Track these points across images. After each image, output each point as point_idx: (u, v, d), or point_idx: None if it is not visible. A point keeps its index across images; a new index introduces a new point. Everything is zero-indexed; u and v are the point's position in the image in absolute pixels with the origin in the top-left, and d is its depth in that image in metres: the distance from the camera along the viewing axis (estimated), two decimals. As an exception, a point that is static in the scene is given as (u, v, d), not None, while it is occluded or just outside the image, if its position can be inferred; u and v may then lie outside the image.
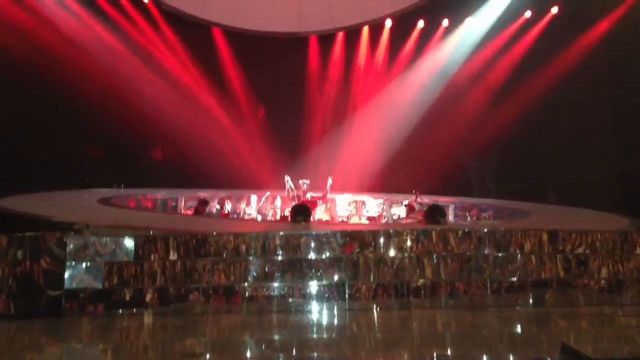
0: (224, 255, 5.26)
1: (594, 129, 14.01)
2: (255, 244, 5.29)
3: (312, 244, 5.33)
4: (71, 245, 5.11)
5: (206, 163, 13.56)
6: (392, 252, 5.38)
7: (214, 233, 5.44)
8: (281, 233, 5.40)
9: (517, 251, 5.51)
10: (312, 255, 5.31)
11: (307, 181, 11.33)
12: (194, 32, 14.55)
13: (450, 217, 11.25)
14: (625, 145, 13.55)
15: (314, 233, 5.42)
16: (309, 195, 11.24)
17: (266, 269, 5.24)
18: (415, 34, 15.40)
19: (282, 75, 14.83)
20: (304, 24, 14.53)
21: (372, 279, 5.29)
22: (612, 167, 13.72)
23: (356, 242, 5.38)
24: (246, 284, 5.19)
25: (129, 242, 5.27)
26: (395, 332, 4.87)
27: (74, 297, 5.05)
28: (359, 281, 5.27)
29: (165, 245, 5.30)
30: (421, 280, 5.31)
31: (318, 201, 11.67)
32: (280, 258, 5.27)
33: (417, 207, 10.58)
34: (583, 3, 13.58)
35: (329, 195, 11.62)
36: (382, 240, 5.40)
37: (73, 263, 5.09)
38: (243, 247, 5.28)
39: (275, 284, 5.21)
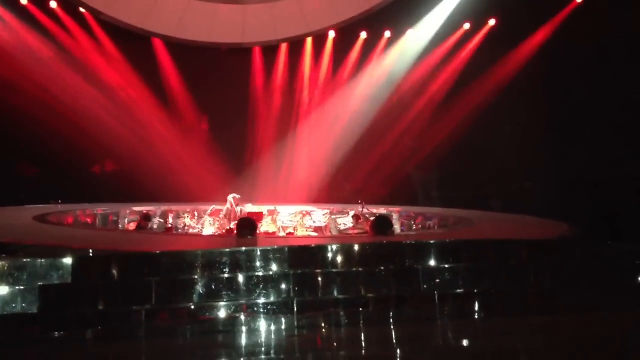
0: (167, 273, 5.09)
1: (532, 138, 14.39)
2: (200, 261, 5.14)
3: (259, 260, 5.22)
4: (3, 268, 4.85)
5: (148, 176, 13.23)
6: (339, 266, 5.33)
7: (157, 251, 5.27)
8: (227, 249, 5.27)
9: (463, 261, 5.55)
10: (259, 272, 5.20)
11: (238, 195, 11.20)
12: (133, 43, 14.17)
13: (396, 226, 11.32)
14: (560, 152, 13.98)
15: (260, 249, 5.31)
16: (238, 209, 11.10)
17: (212, 286, 5.10)
18: (358, 45, 15.53)
19: (226, 86, 14.64)
20: (248, 34, 14.38)
21: (320, 294, 5.22)
22: (550, 174, 14.11)
23: (303, 256, 5.31)
24: (191, 303, 5.03)
25: (66, 263, 5.03)
26: (345, 349, 4.82)
27: (7, 322, 4.78)
28: (306, 296, 5.19)
29: (106, 265, 5.10)
30: (369, 294, 5.28)
31: (264, 212, 11.57)
32: (226, 275, 5.14)
33: (363, 217, 10.60)
34: (518, 16, 13.96)
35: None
36: (329, 254, 5.35)
37: (5, 287, 4.82)
38: (188, 265, 5.13)
39: (222, 303, 5.07)
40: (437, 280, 5.41)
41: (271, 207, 11.99)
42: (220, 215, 11.21)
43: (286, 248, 5.34)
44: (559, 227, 8.24)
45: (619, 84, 12.64)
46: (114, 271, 5.09)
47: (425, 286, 5.40)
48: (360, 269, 5.35)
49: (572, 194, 12.66)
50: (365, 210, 11.08)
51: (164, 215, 11.87)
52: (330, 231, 11.15)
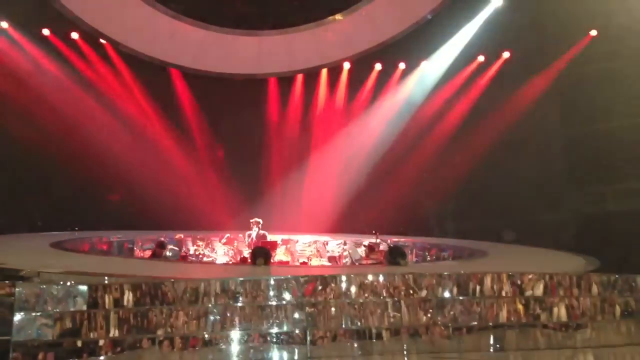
0: (182, 302, 5.11)
1: (548, 169, 14.37)
2: (214, 290, 5.16)
3: (273, 290, 5.22)
4: (20, 295, 4.89)
5: (163, 204, 13.31)
6: (353, 297, 5.31)
7: (172, 279, 5.29)
8: (241, 279, 5.29)
9: (478, 294, 5.51)
10: (272, 301, 5.19)
11: (260, 220, 11.26)
12: (151, 73, 14.43)
13: (410, 257, 11.29)
14: (576, 184, 13.92)
15: (274, 278, 5.32)
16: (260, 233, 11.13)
17: (225, 315, 5.10)
18: (373, 77, 15.66)
19: (242, 117, 14.80)
20: (263, 66, 14.61)
21: (333, 324, 5.20)
22: (566, 206, 14.03)
23: (317, 286, 5.30)
24: (204, 331, 5.03)
25: (81, 290, 5.07)
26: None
27: (22, 348, 4.81)
28: (320, 326, 5.17)
29: (120, 292, 5.13)
30: (383, 325, 5.25)
31: (278, 242, 11.60)
32: (240, 304, 5.14)
33: (377, 247, 10.59)
34: (534, 48, 14.06)
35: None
36: (343, 284, 5.34)
37: (22, 313, 4.86)
38: (201, 294, 5.14)
39: (235, 332, 5.06)
40: (452, 313, 5.37)
41: (285, 237, 12.02)
42: (247, 240, 11.24)
43: (300, 278, 5.34)
44: (575, 259, 8.17)
45: (637, 115, 12.63)
46: (128, 299, 5.11)
47: (439, 318, 5.35)
48: (373, 300, 5.33)
49: (588, 226, 12.56)
50: (379, 241, 11.06)
51: (179, 244, 11.92)
52: (351, 257, 11.13)
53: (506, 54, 14.96)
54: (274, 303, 5.19)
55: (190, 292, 5.14)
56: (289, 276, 5.37)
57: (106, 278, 5.54)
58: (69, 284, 5.16)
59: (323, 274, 5.71)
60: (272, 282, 5.27)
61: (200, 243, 11.94)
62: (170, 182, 13.92)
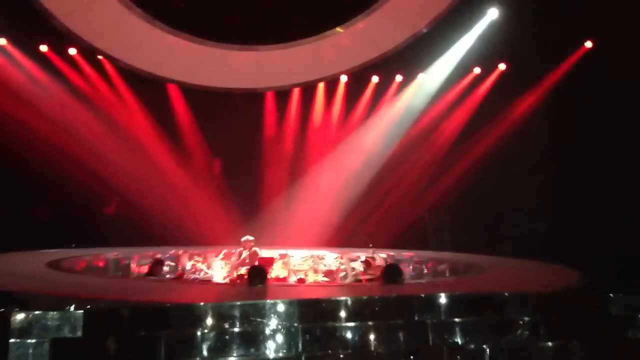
0: (178, 327, 5.09)
1: (544, 180, 14.39)
2: (210, 315, 5.14)
3: (269, 314, 5.21)
4: (14, 322, 4.87)
5: (161, 219, 13.32)
6: (350, 320, 5.29)
7: (168, 304, 5.29)
8: (237, 303, 5.27)
9: (474, 315, 5.50)
10: (268, 326, 5.18)
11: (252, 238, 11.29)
12: (149, 88, 14.49)
13: (409, 269, 11.34)
14: (573, 195, 13.93)
15: (270, 302, 5.30)
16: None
17: (222, 340, 5.08)
18: (370, 89, 15.73)
19: (239, 131, 14.84)
20: (261, 80, 14.65)
21: (331, 349, 5.18)
22: (562, 217, 14.04)
23: (313, 310, 5.29)
24: (199, 358, 5.01)
25: (77, 315, 5.06)
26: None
27: (18, 378, 4.80)
28: (316, 351, 5.15)
29: (116, 317, 5.12)
30: (380, 349, 5.23)
31: (275, 257, 11.59)
32: (236, 330, 5.13)
33: (373, 262, 10.60)
34: (528, 60, 14.11)
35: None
36: (340, 308, 5.32)
37: (17, 341, 4.85)
38: (197, 319, 5.13)
39: (231, 358, 5.04)
40: (446, 336, 5.35)
41: (282, 252, 12.00)
42: (233, 259, 11.25)
43: (296, 302, 5.33)
44: (570, 275, 8.18)
45: (633, 127, 12.66)
46: (125, 324, 5.09)
47: (436, 341, 5.34)
48: (370, 323, 5.31)
49: (585, 238, 12.57)
50: (375, 256, 11.06)
51: (176, 259, 11.90)
52: (347, 275, 11.11)
53: (502, 66, 15.04)
54: (270, 327, 5.17)
55: (186, 317, 5.13)
56: (285, 300, 5.36)
57: (101, 302, 5.52)
58: (64, 309, 5.14)
59: (319, 297, 5.70)
60: (268, 306, 5.25)
61: (197, 259, 11.91)
62: (167, 197, 13.95)
